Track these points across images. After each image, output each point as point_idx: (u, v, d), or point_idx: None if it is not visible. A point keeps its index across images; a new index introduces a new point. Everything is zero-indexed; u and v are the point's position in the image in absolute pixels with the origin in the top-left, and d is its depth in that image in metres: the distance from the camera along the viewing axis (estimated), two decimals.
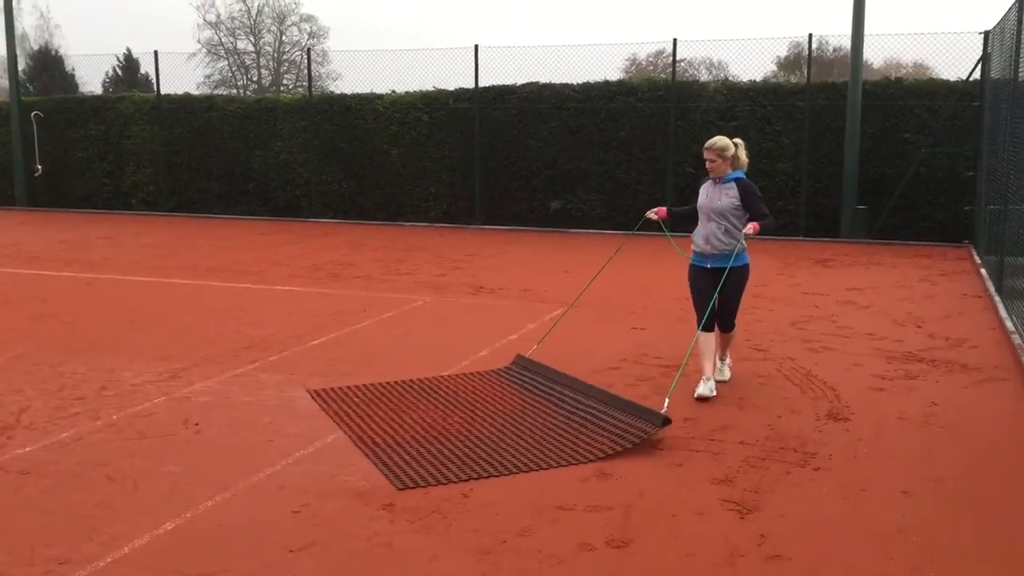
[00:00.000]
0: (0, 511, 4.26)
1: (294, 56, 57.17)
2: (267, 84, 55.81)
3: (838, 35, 41.88)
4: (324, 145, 17.24)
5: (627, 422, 5.25)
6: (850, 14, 14.19)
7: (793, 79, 23.38)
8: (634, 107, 15.17)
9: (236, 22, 56.72)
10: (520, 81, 15.94)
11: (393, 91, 17.04)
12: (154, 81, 18.74)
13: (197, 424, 5.50)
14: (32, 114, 19.17)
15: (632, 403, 5.51)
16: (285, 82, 56.15)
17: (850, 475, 4.68)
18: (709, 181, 6.10)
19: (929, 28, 24.59)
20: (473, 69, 15.97)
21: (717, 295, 5.98)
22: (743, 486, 4.52)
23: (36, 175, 19.38)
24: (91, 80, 37.74)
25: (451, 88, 16.50)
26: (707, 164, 6.03)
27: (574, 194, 15.70)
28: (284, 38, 57.15)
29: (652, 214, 6.40)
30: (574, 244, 14.22)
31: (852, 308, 9.03)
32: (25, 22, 45.34)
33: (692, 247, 6.17)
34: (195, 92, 21.53)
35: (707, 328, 6.02)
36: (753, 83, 15.16)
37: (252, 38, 57.28)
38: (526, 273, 11.25)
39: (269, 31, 56.96)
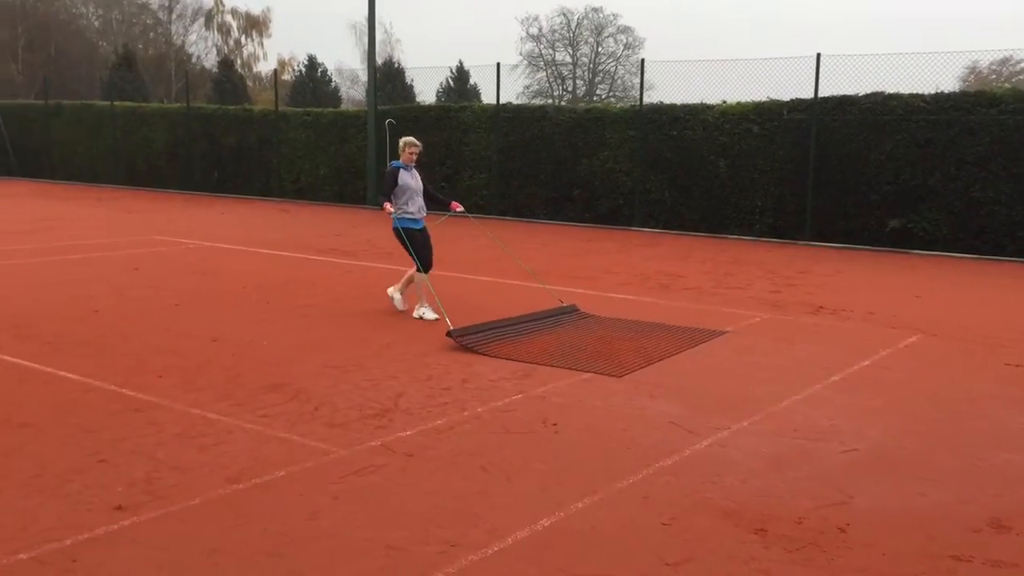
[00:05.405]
0: (391, 488, 4.62)
1: (608, 66, 58.46)
2: (580, 94, 57.53)
3: None
4: (650, 155, 17.36)
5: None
6: None
7: None
8: (996, 119, 13.78)
9: (556, 35, 59.08)
10: (862, 91, 15.08)
11: (724, 101, 16.77)
12: (486, 92, 19.90)
13: (555, 424, 5.67)
14: (386, 121, 21.00)
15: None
16: (599, 92, 57.58)
17: None
18: (403, 169, 8.52)
19: None
20: (813, 78, 15.36)
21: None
22: None
23: None
24: (426, 90, 40.75)
25: (785, 99, 15.95)
26: (413, 156, 8.59)
27: (917, 212, 14.57)
28: (600, 49, 58.66)
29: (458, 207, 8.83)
30: (919, 266, 13.20)
31: None
32: None
33: (405, 215, 8.51)
34: (515, 102, 22.55)
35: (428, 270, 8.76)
36: None
37: (570, 49, 59.38)
38: (869, 294, 10.57)
39: (586, 42, 58.77)
